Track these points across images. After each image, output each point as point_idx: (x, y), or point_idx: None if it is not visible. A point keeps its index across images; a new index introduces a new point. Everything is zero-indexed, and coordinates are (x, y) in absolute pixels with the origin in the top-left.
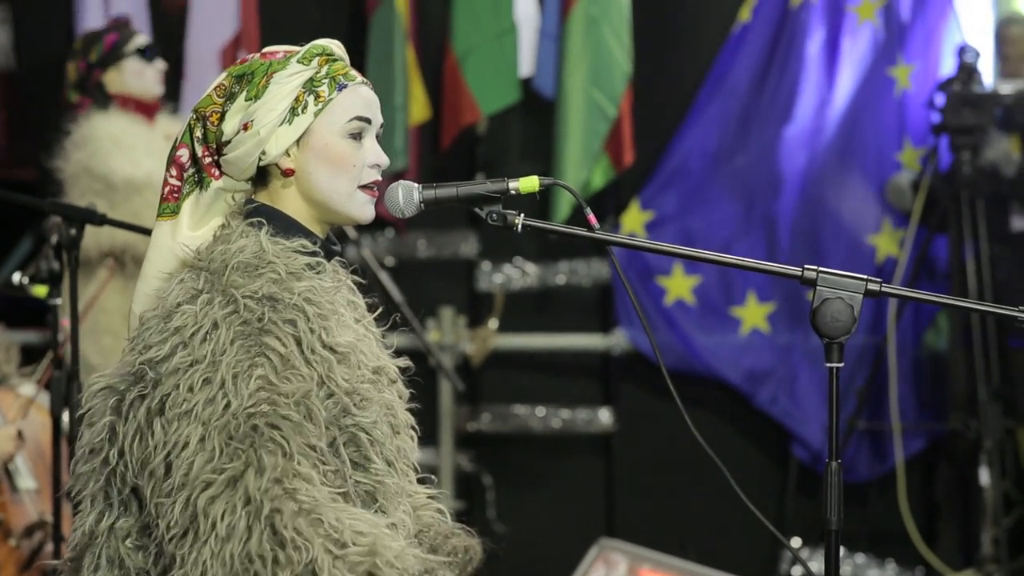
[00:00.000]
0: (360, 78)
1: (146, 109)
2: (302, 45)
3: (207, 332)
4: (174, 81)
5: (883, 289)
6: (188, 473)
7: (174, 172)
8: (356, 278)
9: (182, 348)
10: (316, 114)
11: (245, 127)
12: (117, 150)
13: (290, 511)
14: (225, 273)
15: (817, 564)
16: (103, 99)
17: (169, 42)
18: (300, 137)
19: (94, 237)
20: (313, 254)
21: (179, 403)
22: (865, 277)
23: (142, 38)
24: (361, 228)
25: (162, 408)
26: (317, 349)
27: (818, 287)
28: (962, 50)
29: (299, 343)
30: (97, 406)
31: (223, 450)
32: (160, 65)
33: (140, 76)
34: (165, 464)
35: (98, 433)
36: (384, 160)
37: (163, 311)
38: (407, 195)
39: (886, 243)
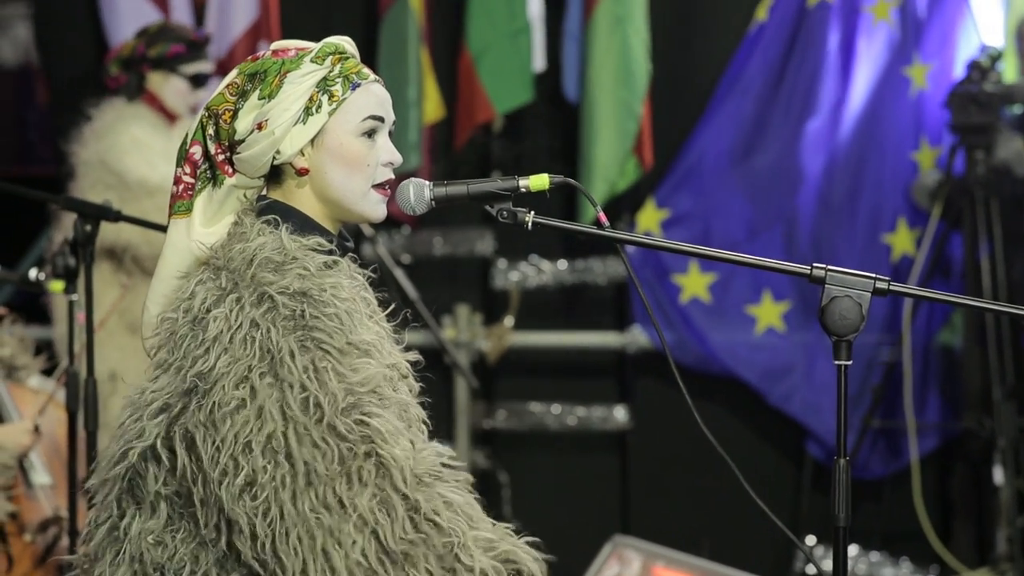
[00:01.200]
0: (373, 76)
1: (170, 114)
2: (313, 42)
3: (247, 332)
4: None
5: (891, 287)
6: (308, 472)
7: (188, 169)
8: (368, 273)
9: (224, 354)
10: (330, 113)
11: (259, 126)
12: (135, 149)
13: (431, 496)
14: (250, 270)
15: (831, 562)
16: (136, 90)
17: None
18: (314, 136)
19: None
20: (329, 252)
21: (228, 401)
22: (873, 275)
23: (204, 66)
24: (377, 226)
25: (214, 412)
26: (352, 342)
27: (827, 285)
28: (983, 49)
29: (344, 335)
30: (139, 416)
31: (338, 448)
32: (202, 95)
33: (179, 96)
34: (233, 461)
35: (136, 440)
36: (397, 158)
37: (190, 316)
38: (418, 192)
39: (902, 242)
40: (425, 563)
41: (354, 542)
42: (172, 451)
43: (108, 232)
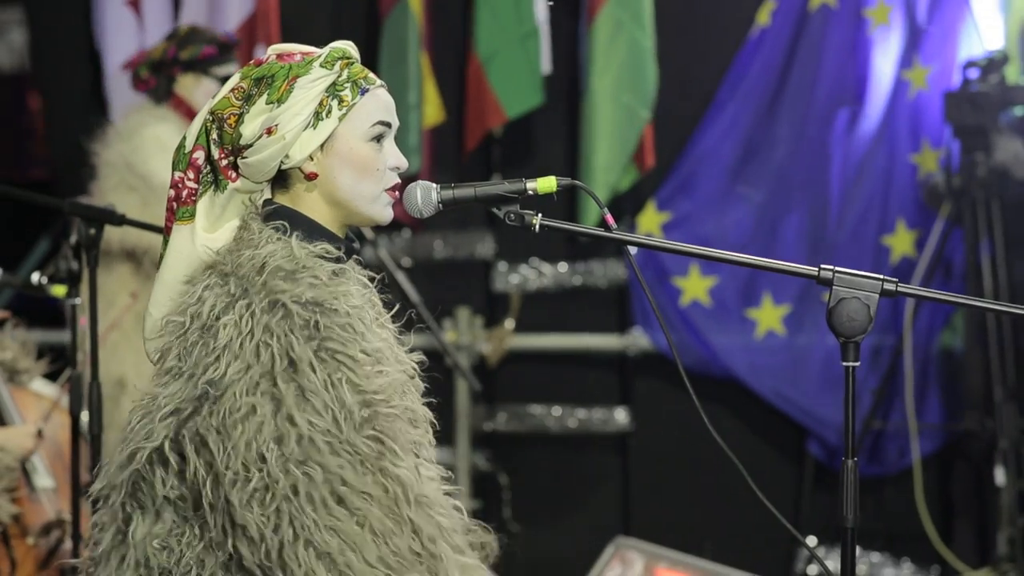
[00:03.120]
0: (379, 81)
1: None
2: (313, 46)
3: (260, 339)
4: None
5: (899, 289)
6: (324, 482)
7: (191, 175)
8: (372, 273)
9: (235, 361)
10: (340, 118)
11: (269, 131)
12: (161, 152)
13: (430, 525)
14: (261, 277)
15: (832, 563)
16: (164, 93)
17: None
18: (324, 141)
19: (117, 233)
20: (337, 259)
21: (238, 408)
22: (881, 277)
23: (234, 68)
24: (378, 228)
25: (225, 417)
26: (364, 350)
27: (834, 287)
28: (990, 52)
29: (357, 344)
30: (149, 421)
31: (351, 461)
32: None
33: (209, 97)
34: (244, 467)
35: (143, 443)
36: (403, 162)
37: (199, 322)
38: (425, 195)
39: (901, 243)
40: None
41: (368, 549)
42: (181, 455)
43: (129, 235)
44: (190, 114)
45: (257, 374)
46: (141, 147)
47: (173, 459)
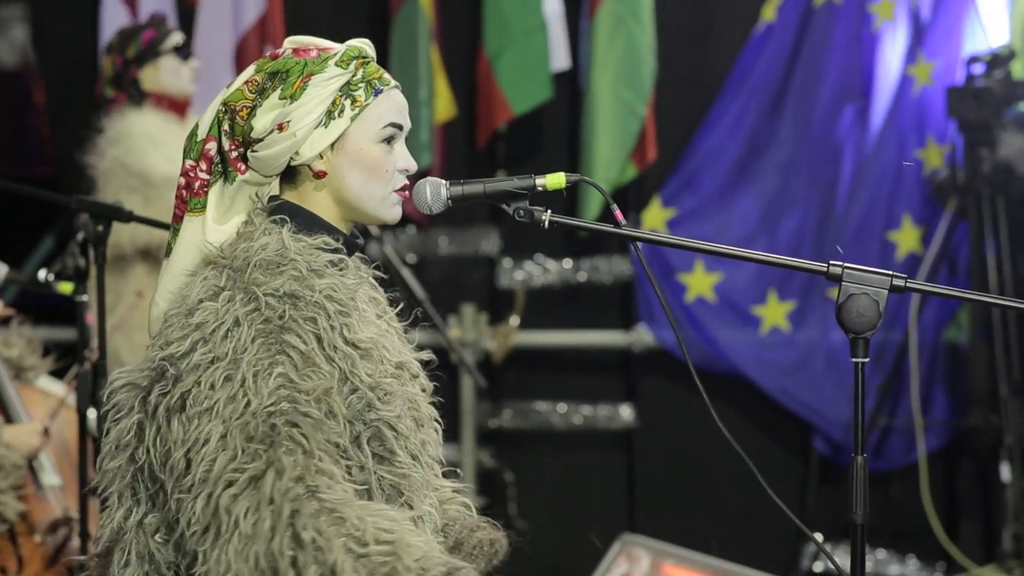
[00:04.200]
0: (393, 82)
1: (178, 107)
2: (330, 40)
3: (228, 329)
4: None
5: (908, 284)
6: (209, 470)
7: (204, 166)
8: (377, 272)
9: (202, 344)
10: (352, 119)
11: (280, 127)
12: (153, 147)
13: (310, 511)
14: (247, 271)
15: (838, 559)
16: (138, 95)
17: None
18: (335, 141)
19: (129, 232)
20: (335, 251)
21: (200, 400)
22: (890, 273)
23: (177, 36)
24: (383, 225)
25: (183, 405)
26: (339, 346)
27: (844, 283)
28: (997, 48)
29: (320, 340)
30: (122, 402)
31: (244, 449)
32: (194, 63)
33: (175, 74)
34: (185, 460)
35: (125, 430)
36: (413, 165)
37: (185, 308)
38: (435, 192)
39: (907, 239)
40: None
41: (225, 553)
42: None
43: (141, 232)
44: (171, 104)
45: (222, 368)
46: (133, 147)
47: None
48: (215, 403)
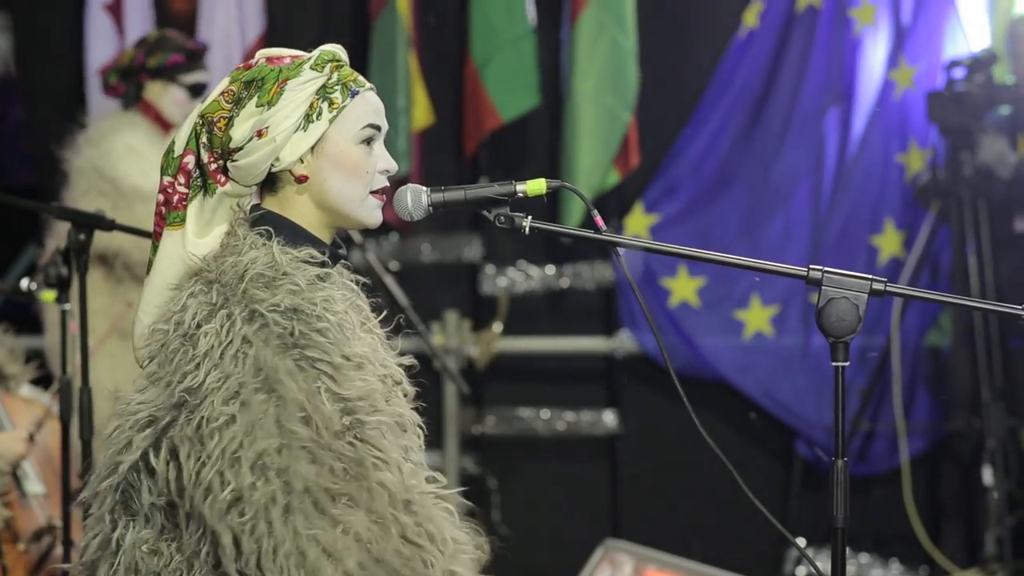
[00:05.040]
0: (368, 84)
1: (164, 124)
2: (303, 49)
3: (237, 349)
4: None
5: (888, 288)
6: (303, 490)
7: (182, 180)
8: (360, 278)
9: (214, 370)
10: (331, 121)
11: (259, 134)
12: (130, 156)
13: (408, 523)
14: (241, 285)
15: (821, 564)
16: (134, 98)
17: None
18: (314, 144)
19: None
20: (322, 264)
21: (216, 417)
22: (870, 277)
23: (203, 76)
24: (366, 232)
25: (201, 426)
26: (346, 355)
27: (823, 287)
28: (978, 52)
29: (336, 350)
30: (130, 429)
31: (332, 468)
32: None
33: (178, 106)
34: (219, 476)
35: (124, 452)
36: (393, 166)
37: (181, 329)
38: (415, 198)
39: (889, 243)
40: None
41: (350, 555)
42: (166, 463)
43: (101, 238)
44: (159, 119)
45: (235, 384)
46: (110, 152)
47: (159, 468)
48: (250, 417)
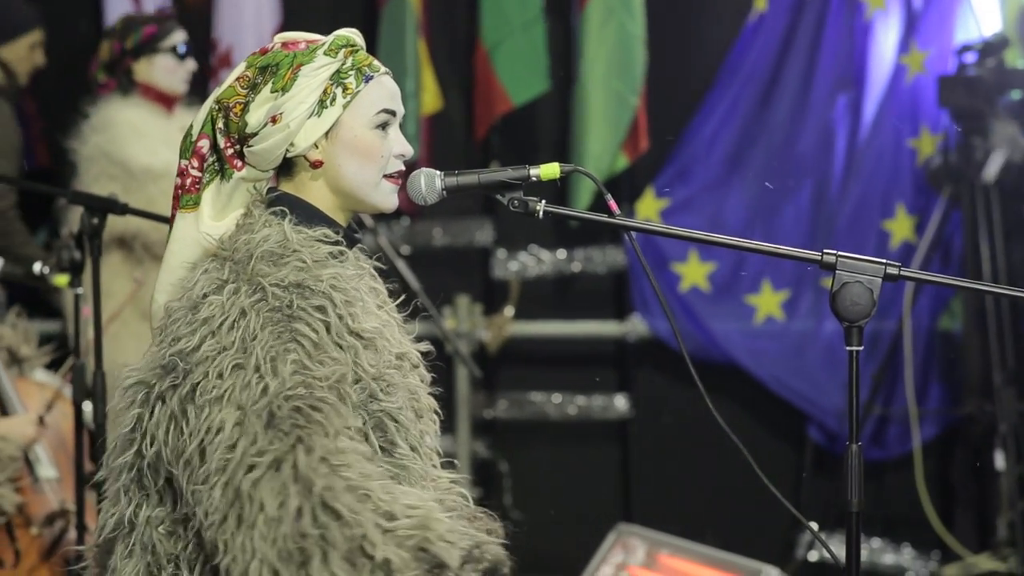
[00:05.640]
0: (383, 68)
1: (166, 100)
2: (319, 34)
3: (235, 320)
4: (200, 80)
5: (902, 272)
6: (226, 458)
7: (196, 163)
8: (378, 263)
9: (211, 337)
10: (345, 106)
11: (273, 120)
12: (136, 137)
13: (340, 487)
14: (251, 262)
15: (834, 547)
16: (128, 85)
17: (192, 38)
18: (329, 129)
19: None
20: (336, 243)
21: (210, 389)
22: (884, 261)
23: (180, 36)
24: (377, 217)
25: (193, 396)
26: (344, 336)
27: (837, 271)
28: (989, 36)
29: (328, 329)
30: (131, 399)
31: (264, 433)
32: (191, 65)
33: (170, 73)
34: (199, 450)
35: (134, 426)
36: (408, 150)
37: (189, 302)
38: (429, 183)
39: (901, 228)
40: (322, 559)
41: (250, 539)
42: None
43: (116, 221)
44: (159, 97)
45: (229, 356)
46: (116, 136)
47: (151, 430)
48: (225, 391)
